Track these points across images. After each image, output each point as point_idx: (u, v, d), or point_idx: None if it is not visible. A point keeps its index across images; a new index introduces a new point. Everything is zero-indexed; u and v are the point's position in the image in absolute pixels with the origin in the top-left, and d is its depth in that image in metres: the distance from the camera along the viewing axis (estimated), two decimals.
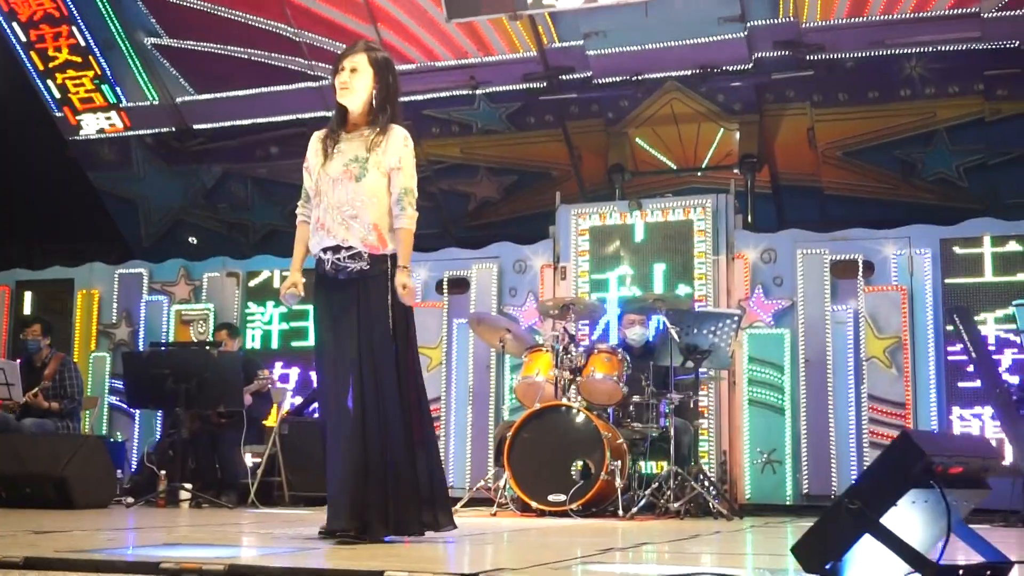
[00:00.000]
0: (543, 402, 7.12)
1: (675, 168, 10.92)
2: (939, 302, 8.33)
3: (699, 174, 10.86)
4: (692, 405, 7.63)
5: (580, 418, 6.95)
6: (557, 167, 11.19)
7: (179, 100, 11.44)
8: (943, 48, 9.50)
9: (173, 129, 11.61)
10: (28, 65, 11.41)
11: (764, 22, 9.71)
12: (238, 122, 11.44)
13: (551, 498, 6.75)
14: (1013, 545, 4.60)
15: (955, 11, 9.29)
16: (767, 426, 8.41)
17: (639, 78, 10.22)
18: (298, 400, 9.58)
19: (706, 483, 7.20)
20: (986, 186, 10.07)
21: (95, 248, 11.57)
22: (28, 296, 10.82)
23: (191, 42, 11.17)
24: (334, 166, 4.29)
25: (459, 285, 9.44)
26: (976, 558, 2.96)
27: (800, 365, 8.44)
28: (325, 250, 4.28)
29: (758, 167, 10.47)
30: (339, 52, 4.50)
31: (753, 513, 7.83)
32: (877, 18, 9.48)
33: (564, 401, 7.16)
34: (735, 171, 10.42)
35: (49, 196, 12.07)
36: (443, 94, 10.74)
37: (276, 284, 9.87)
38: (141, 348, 9.82)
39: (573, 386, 7.34)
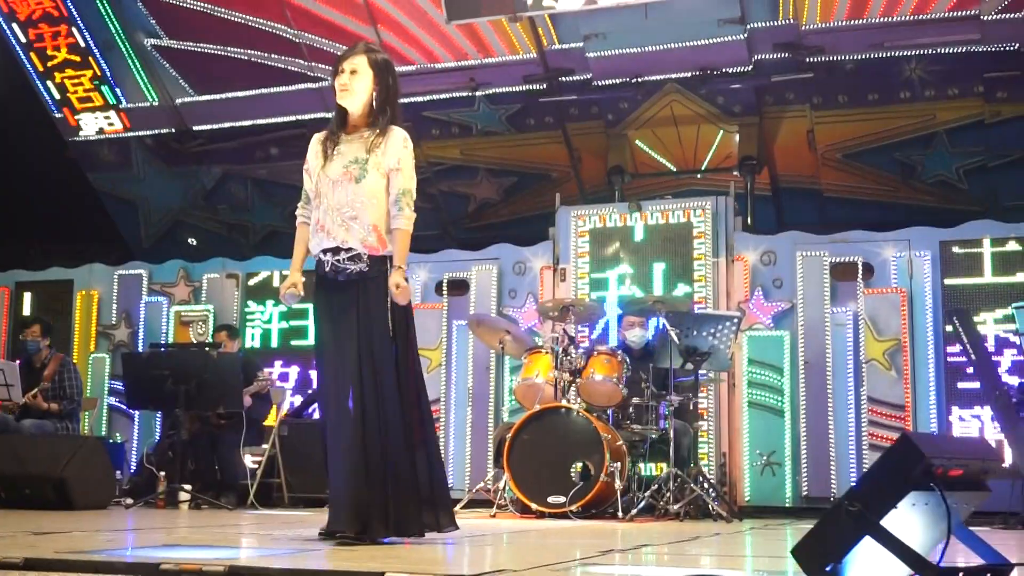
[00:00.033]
0: (543, 404, 7.12)
1: (675, 170, 10.92)
2: (939, 304, 8.33)
3: (699, 176, 10.87)
4: (692, 407, 7.63)
5: (580, 420, 6.95)
6: (557, 169, 11.19)
7: (179, 101, 11.44)
8: (943, 50, 9.50)
9: (173, 130, 11.61)
10: (28, 66, 11.42)
11: (764, 24, 9.71)
12: (238, 123, 11.44)
13: (551, 500, 6.75)
14: (1013, 547, 4.60)
15: (955, 13, 9.29)
16: (767, 428, 8.41)
17: (639, 80, 10.23)
18: (298, 399, 9.59)
19: (705, 485, 7.20)
20: (986, 188, 10.07)
21: (95, 249, 11.57)
22: (28, 297, 10.82)
23: (191, 43, 11.17)
24: (334, 168, 4.30)
25: (459, 287, 9.44)
26: (976, 560, 2.96)
27: (800, 367, 8.44)
28: (325, 251, 4.28)
29: (758, 169, 10.47)
30: (339, 53, 4.51)
31: (752, 515, 7.83)
32: (877, 20, 9.48)
33: (564, 403, 7.16)
34: (735, 173, 10.42)
35: (49, 197, 12.07)
36: (443, 95, 10.74)
37: (276, 283, 9.87)
38: (141, 349, 9.82)
39: (573, 388, 7.35)
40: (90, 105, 11.50)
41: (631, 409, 7.35)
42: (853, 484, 2.97)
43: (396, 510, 4.09)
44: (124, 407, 9.82)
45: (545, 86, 10.51)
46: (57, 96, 11.52)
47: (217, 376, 7.68)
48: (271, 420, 8.65)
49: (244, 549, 4.08)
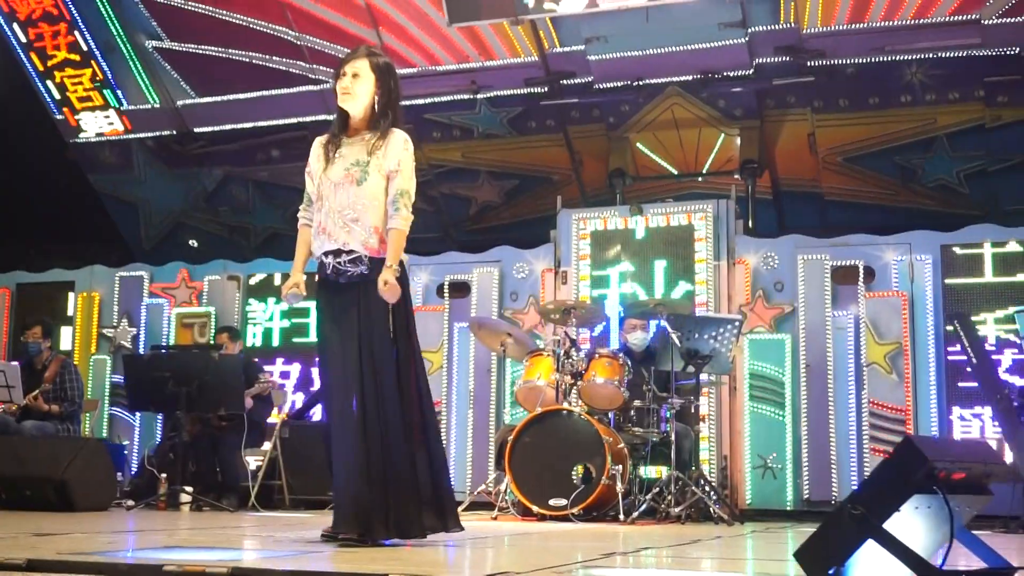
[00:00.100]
0: (544, 406, 7.13)
1: (676, 173, 10.92)
2: (940, 308, 8.33)
3: (700, 179, 10.87)
4: (693, 410, 7.63)
5: (581, 422, 6.95)
6: (558, 171, 11.20)
7: (180, 103, 11.45)
8: (944, 54, 9.51)
9: (174, 132, 11.62)
10: (28, 66, 11.43)
11: (765, 28, 9.72)
12: (239, 125, 11.45)
13: (552, 502, 6.75)
14: (1014, 551, 4.60)
15: (956, 17, 9.30)
16: (768, 431, 8.41)
17: (640, 83, 10.24)
18: (299, 398, 9.59)
19: (707, 488, 7.19)
20: (986, 192, 10.08)
21: (96, 250, 11.57)
22: (28, 298, 10.80)
23: (192, 45, 11.18)
24: (335, 170, 4.31)
25: (460, 289, 9.44)
26: (978, 563, 2.97)
27: (801, 370, 8.44)
28: (326, 254, 4.30)
29: (759, 172, 10.48)
30: (340, 55, 4.52)
31: (754, 518, 7.83)
32: (878, 24, 9.49)
33: (565, 405, 7.16)
34: (736, 176, 10.42)
35: (50, 198, 12.07)
36: (444, 98, 10.76)
37: (277, 282, 9.87)
38: (142, 351, 9.82)
39: (574, 390, 7.35)
40: (90, 104, 11.51)
41: (632, 412, 7.35)
42: (854, 488, 2.98)
43: (396, 511, 4.10)
44: (125, 409, 9.82)
45: (546, 89, 10.52)
46: (57, 96, 11.53)
47: (218, 378, 7.68)
48: (275, 417, 8.64)
49: (246, 551, 4.08)
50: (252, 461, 8.20)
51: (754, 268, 8.79)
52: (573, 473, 6.79)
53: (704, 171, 10.84)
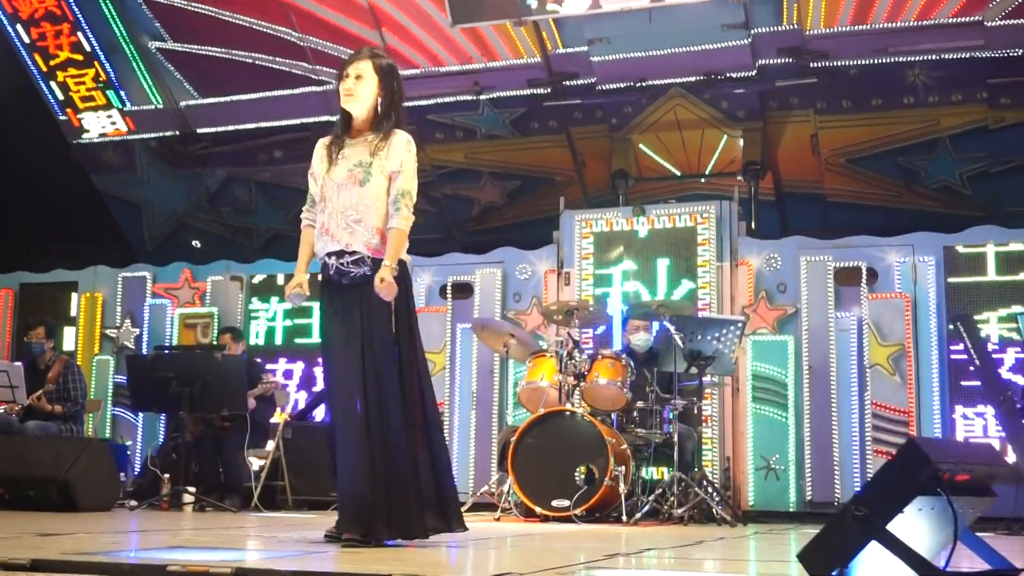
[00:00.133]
0: (547, 407, 7.13)
1: (679, 174, 10.92)
2: (943, 310, 8.33)
3: (702, 181, 10.87)
4: (696, 411, 7.62)
5: (584, 424, 6.96)
6: (561, 172, 11.20)
7: (183, 104, 11.46)
8: (947, 56, 9.51)
9: (177, 133, 11.63)
10: (31, 67, 11.44)
11: (768, 29, 9.72)
12: (242, 126, 11.46)
13: (555, 503, 6.75)
14: (1017, 553, 4.59)
15: (959, 19, 9.30)
16: (771, 433, 8.41)
17: (643, 84, 10.24)
18: (302, 397, 9.60)
19: (710, 489, 7.19)
20: (989, 194, 10.08)
21: (98, 251, 11.57)
22: (31, 299, 10.81)
23: (195, 46, 11.19)
24: (338, 171, 4.32)
25: (463, 290, 9.44)
26: (982, 565, 2.97)
27: (804, 372, 8.44)
28: (329, 255, 4.30)
29: (762, 174, 10.48)
30: (343, 57, 4.53)
31: (756, 520, 7.83)
32: (881, 26, 9.49)
33: (568, 406, 7.16)
34: (739, 178, 10.42)
35: (52, 199, 12.08)
36: (447, 99, 10.76)
37: (280, 282, 9.88)
38: (145, 351, 9.83)
39: (577, 391, 7.35)
40: (92, 105, 11.52)
41: (635, 413, 7.35)
42: (857, 489, 2.98)
43: (398, 512, 4.10)
44: (128, 409, 9.83)
45: (549, 90, 10.52)
46: (60, 97, 11.54)
47: (221, 378, 7.69)
48: (279, 417, 8.65)
49: (249, 551, 4.08)
50: (255, 461, 8.21)
51: (757, 269, 8.79)
52: (576, 474, 6.79)
53: (707, 172, 10.84)
